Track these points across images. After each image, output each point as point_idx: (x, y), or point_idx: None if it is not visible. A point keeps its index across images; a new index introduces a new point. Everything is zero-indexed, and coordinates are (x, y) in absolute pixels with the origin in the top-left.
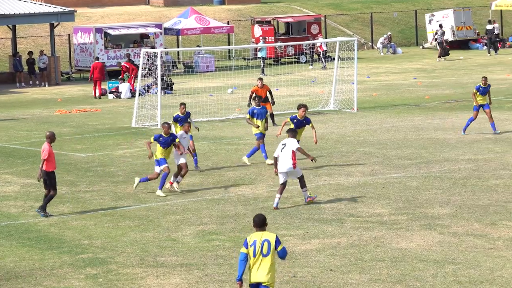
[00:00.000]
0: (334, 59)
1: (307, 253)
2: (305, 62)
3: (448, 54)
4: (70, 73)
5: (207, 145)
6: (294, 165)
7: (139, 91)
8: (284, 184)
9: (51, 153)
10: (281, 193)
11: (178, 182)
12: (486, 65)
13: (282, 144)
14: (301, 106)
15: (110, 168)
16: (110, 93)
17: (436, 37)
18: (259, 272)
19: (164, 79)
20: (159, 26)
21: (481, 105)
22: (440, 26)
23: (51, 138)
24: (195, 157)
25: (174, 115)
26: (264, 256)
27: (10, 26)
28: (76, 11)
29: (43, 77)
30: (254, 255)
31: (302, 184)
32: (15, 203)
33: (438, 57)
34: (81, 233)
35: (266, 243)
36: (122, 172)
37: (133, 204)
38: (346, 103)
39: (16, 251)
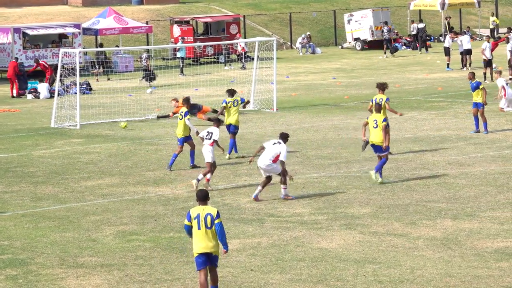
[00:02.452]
0: (253, 59)
1: (228, 253)
2: (223, 62)
3: (397, 51)
4: None
5: (127, 145)
6: (274, 161)
7: (58, 91)
8: (268, 178)
9: None
10: (263, 186)
11: (198, 180)
12: (405, 65)
13: (274, 143)
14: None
15: (29, 169)
16: (29, 93)
17: (384, 34)
18: (206, 243)
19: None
20: (77, 26)
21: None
22: (386, 23)
23: None
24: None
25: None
26: (208, 228)
27: None
28: None
29: None
30: (199, 228)
31: (282, 180)
32: None
33: (385, 52)
34: (1, 234)
35: (209, 217)
36: (42, 172)
37: (53, 205)
38: (265, 103)
39: None
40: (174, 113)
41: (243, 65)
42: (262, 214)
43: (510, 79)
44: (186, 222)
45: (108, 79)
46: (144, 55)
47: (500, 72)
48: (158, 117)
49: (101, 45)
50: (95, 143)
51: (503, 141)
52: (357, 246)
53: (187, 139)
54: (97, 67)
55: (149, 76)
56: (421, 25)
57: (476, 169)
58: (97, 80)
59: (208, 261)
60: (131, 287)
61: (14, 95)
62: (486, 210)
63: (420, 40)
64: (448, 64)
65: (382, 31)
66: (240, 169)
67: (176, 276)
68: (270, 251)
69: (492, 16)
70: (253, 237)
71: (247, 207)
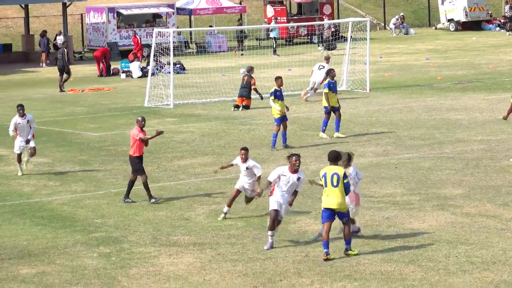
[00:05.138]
0: (346, 39)
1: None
2: (317, 43)
3: None
4: (83, 52)
5: (220, 125)
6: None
7: (152, 70)
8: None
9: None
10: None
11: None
12: (499, 46)
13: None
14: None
15: (123, 147)
16: (123, 72)
17: (506, 12)
18: (331, 199)
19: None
20: (171, 6)
21: None
22: (506, 1)
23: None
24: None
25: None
26: (334, 186)
27: (23, 5)
28: None
29: (46, 58)
30: (326, 185)
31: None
32: (28, 181)
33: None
34: (94, 212)
35: (335, 176)
36: None
37: None
38: (358, 83)
39: (29, 229)
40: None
41: (329, 47)
42: None
43: None
44: (319, 181)
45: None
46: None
47: None
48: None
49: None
50: (188, 123)
51: None
52: (449, 227)
53: (283, 118)
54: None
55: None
56: None
57: None
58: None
59: (333, 216)
60: (224, 266)
61: (103, 74)
62: None
63: None
64: None
65: (505, 9)
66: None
67: (268, 255)
68: (363, 231)
69: None
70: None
71: None
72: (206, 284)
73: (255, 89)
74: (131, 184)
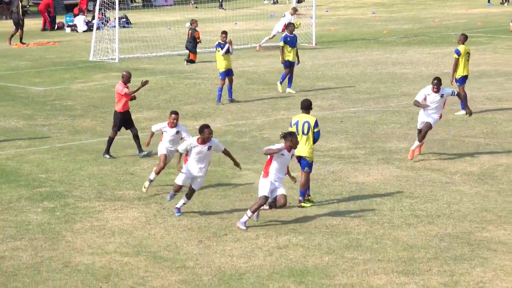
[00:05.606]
0: None
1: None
2: None
3: None
4: (27, 6)
5: (165, 79)
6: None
7: (97, 24)
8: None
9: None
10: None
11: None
12: (445, 0)
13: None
14: None
15: (68, 102)
16: (68, 26)
17: None
18: (300, 147)
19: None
20: None
21: None
22: None
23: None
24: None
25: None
26: (305, 134)
27: None
28: None
29: (4, 10)
30: (297, 133)
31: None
32: None
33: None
34: (39, 166)
35: (306, 124)
36: (80, 106)
37: (91, 138)
38: (304, 37)
39: None
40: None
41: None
42: None
43: None
44: (289, 128)
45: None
46: None
47: None
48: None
49: None
50: (133, 77)
51: None
52: (394, 180)
53: (228, 73)
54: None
55: None
56: None
57: None
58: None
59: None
60: (169, 220)
61: (47, 28)
62: None
63: None
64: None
65: None
66: (279, 103)
67: (214, 210)
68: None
69: None
70: (290, 171)
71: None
72: (151, 238)
73: (199, 43)
74: (110, 140)
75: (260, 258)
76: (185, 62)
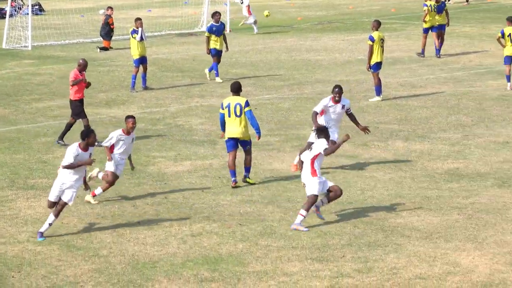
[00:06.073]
0: None
1: (179, 175)
2: None
3: None
4: None
5: None
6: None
7: (10, 11)
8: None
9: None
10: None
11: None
12: None
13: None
14: None
15: None
16: None
17: None
18: (235, 129)
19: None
20: None
21: (439, 26)
22: None
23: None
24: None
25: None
26: (238, 116)
27: None
28: None
29: None
30: (229, 116)
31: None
32: None
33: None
34: None
35: (238, 106)
36: None
37: (3, 126)
38: None
39: None
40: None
41: None
42: (213, 135)
43: None
44: (220, 110)
45: None
46: None
47: None
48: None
49: None
50: (47, 64)
51: (455, 63)
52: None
53: (142, 60)
54: None
55: None
56: None
57: (428, 90)
58: None
59: (237, 145)
60: (82, 209)
61: None
62: (437, 131)
63: None
64: None
65: None
66: (193, 90)
67: (129, 198)
68: (222, 172)
69: None
70: (204, 158)
71: (199, 129)
72: (64, 227)
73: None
74: (68, 126)
75: (174, 246)
76: (98, 49)
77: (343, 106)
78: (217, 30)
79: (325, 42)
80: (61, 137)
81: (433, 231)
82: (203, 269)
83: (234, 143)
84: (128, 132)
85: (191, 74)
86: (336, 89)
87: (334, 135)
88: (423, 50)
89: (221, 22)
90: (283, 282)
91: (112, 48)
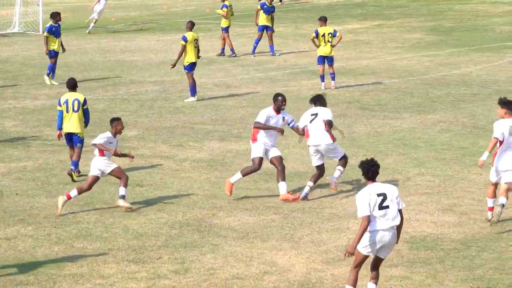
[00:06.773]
0: None
1: None
2: None
3: None
4: None
5: None
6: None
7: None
8: (320, 169)
9: None
10: (314, 182)
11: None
12: None
13: (312, 115)
14: None
15: None
16: None
17: None
18: (71, 124)
19: None
20: None
21: (265, 26)
22: None
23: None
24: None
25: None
26: (75, 111)
27: None
28: None
29: None
30: (67, 111)
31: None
32: None
33: None
34: None
35: (76, 102)
36: None
37: None
38: (31, 25)
39: None
40: None
41: None
42: (29, 138)
43: None
44: (58, 107)
45: None
46: None
47: None
48: None
49: None
50: None
51: (270, 63)
52: (125, 168)
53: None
54: None
55: None
56: None
57: (243, 90)
58: None
59: (70, 141)
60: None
61: None
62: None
63: None
64: None
65: None
66: (6, 92)
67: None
68: (36, 175)
69: None
70: (18, 161)
71: (12, 131)
72: None
73: None
74: None
75: None
76: None
77: (283, 118)
78: (56, 31)
79: (140, 42)
80: None
81: (250, 231)
82: (19, 272)
83: (70, 139)
84: (115, 134)
85: (4, 76)
86: (280, 98)
87: (276, 151)
88: (233, 49)
89: (58, 23)
90: (100, 285)
91: None
